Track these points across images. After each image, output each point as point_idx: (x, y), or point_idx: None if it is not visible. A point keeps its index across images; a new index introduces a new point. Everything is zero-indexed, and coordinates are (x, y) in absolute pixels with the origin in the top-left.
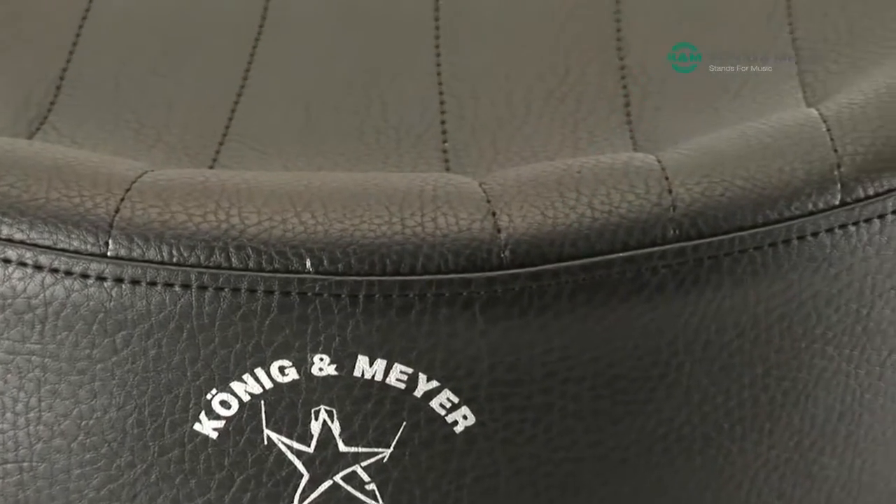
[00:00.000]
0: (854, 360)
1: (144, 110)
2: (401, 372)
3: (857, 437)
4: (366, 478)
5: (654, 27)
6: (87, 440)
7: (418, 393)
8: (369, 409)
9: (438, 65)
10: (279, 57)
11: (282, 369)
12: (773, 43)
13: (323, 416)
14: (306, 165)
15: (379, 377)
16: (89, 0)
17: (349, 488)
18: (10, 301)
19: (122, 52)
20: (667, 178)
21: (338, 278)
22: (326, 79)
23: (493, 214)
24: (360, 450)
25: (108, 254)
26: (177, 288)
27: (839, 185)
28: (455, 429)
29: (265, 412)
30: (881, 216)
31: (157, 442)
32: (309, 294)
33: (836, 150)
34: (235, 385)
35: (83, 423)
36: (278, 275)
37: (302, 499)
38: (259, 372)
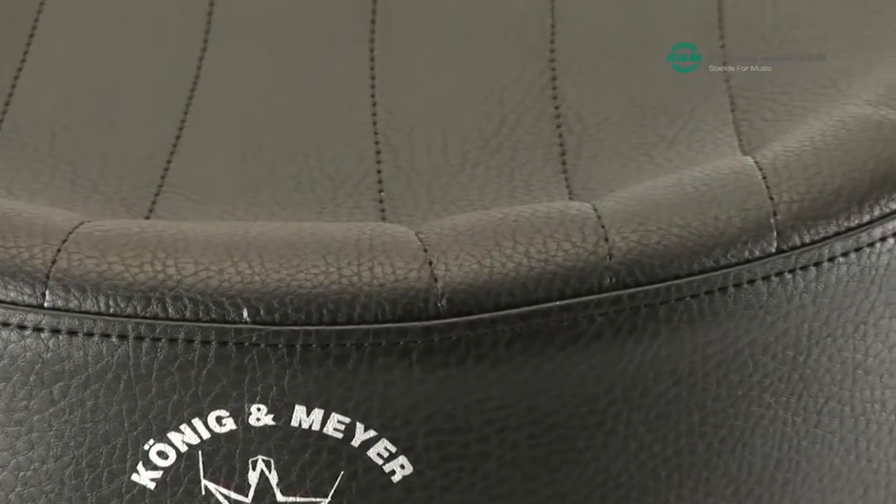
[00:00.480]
0: (791, 407)
1: (80, 161)
2: (338, 421)
3: (794, 485)
4: None
5: (589, 75)
6: (25, 491)
7: (356, 442)
8: (307, 459)
9: (374, 114)
10: (214, 107)
11: (219, 419)
12: (708, 91)
13: (261, 466)
14: (243, 215)
15: (316, 427)
16: (24, 52)
17: None
18: None
19: (58, 104)
20: (603, 227)
21: (275, 328)
22: (262, 128)
23: (430, 263)
24: (298, 499)
25: (45, 305)
26: (114, 339)
27: (775, 233)
28: (393, 478)
29: (203, 462)
30: (817, 264)
31: (95, 493)
32: (246, 344)
33: (772, 198)
34: (173, 435)
35: (21, 474)
36: (215, 325)
37: None
38: (196, 422)
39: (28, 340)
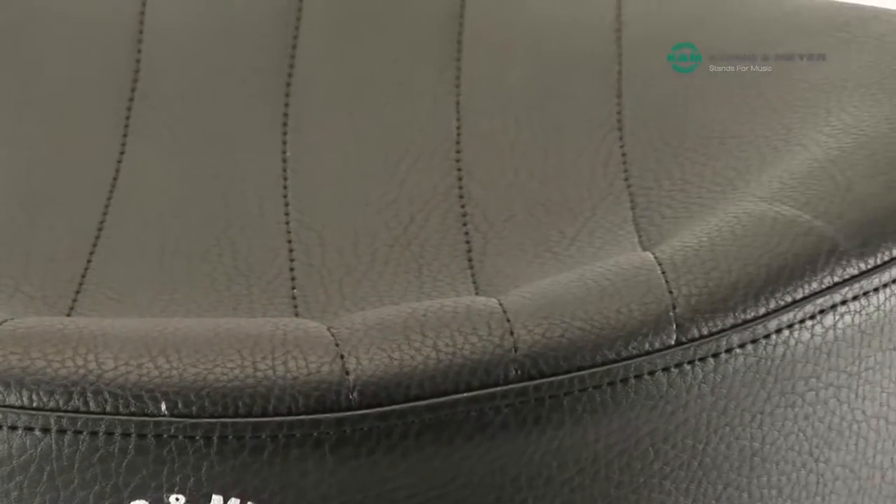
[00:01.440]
0: (691, 494)
1: (3, 261)
2: None
3: None
4: None
5: (494, 175)
6: None
7: None
8: None
9: (287, 214)
10: (132, 207)
11: None
12: (609, 189)
13: None
14: (160, 312)
15: None
16: None
17: None
18: None
19: None
20: (508, 321)
21: (192, 420)
22: (178, 228)
23: (342, 357)
24: None
25: None
26: (37, 432)
27: (675, 326)
28: None
29: None
30: (715, 355)
31: None
32: (164, 436)
33: (671, 292)
34: None
35: None
36: (135, 418)
37: None
38: None
39: None
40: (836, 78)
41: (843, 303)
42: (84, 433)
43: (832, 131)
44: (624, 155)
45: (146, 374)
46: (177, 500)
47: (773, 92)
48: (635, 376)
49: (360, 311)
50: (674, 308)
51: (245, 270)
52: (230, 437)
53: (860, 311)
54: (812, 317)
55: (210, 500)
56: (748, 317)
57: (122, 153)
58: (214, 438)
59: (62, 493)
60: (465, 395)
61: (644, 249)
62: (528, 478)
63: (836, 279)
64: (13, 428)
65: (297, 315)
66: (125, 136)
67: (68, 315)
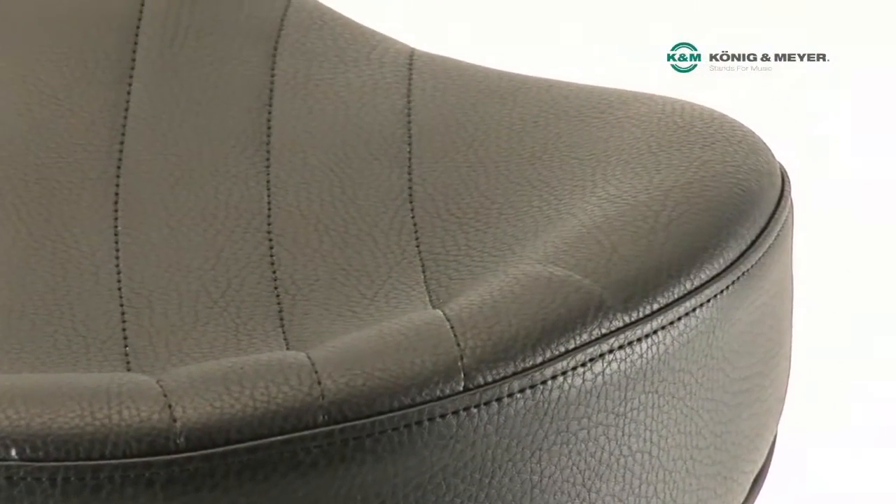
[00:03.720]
0: None
1: None
2: None
3: None
4: None
5: (301, 244)
6: None
7: None
8: None
9: (119, 281)
10: None
11: None
12: (402, 255)
13: None
14: (8, 369)
15: None
16: None
17: None
18: None
19: None
20: (316, 372)
21: (39, 464)
22: (24, 296)
23: (170, 406)
24: None
25: None
26: None
27: (462, 374)
28: None
29: None
30: (499, 399)
31: None
32: (14, 478)
33: (458, 345)
34: None
35: None
36: None
37: None
38: None
39: None
40: (601, 154)
41: (610, 352)
42: None
43: (598, 201)
44: (415, 225)
45: None
46: None
47: (546, 167)
48: (428, 419)
49: (186, 365)
50: (461, 358)
51: (83, 332)
52: (72, 478)
53: (625, 359)
54: (583, 364)
55: None
56: (527, 365)
57: None
58: (58, 480)
59: None
60: (279, 438)
61: (434, 307)
62: None
63: (604, 331)
64: None
65: (129, 370)
66: None
67: None
